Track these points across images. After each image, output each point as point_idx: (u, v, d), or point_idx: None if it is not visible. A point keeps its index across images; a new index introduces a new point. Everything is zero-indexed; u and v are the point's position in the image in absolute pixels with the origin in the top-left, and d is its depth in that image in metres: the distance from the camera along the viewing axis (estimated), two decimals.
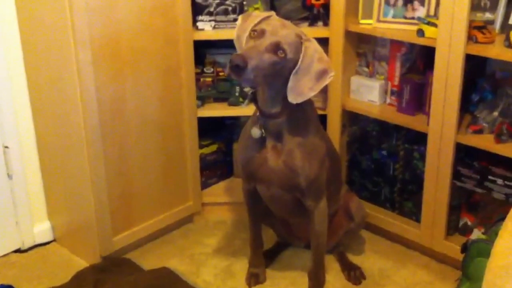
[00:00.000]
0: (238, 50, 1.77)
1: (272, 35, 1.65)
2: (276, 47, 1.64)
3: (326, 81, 1.72)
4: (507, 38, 1.82)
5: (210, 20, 2.22)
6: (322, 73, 1.71)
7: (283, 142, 1.80)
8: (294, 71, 1.68)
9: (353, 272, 2.12)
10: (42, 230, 2.29)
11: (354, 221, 2.11)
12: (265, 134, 1.79)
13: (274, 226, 2.20)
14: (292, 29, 1.70)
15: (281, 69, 1.67)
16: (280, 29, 1.67)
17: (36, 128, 2.18)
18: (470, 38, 1.86)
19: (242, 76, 1.60)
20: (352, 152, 2.38)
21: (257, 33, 1.66)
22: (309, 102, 1.84)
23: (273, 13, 1.78)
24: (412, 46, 2.13)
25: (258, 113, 1.80)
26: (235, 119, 2.49)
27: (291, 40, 1.66)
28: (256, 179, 1.90)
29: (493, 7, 1.92)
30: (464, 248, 1.76)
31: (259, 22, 1.70)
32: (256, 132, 1.79)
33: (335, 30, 2.15)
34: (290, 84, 1.69)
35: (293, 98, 1.71)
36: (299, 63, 1.68)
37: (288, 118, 1.78)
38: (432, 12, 1.99)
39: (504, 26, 1.89)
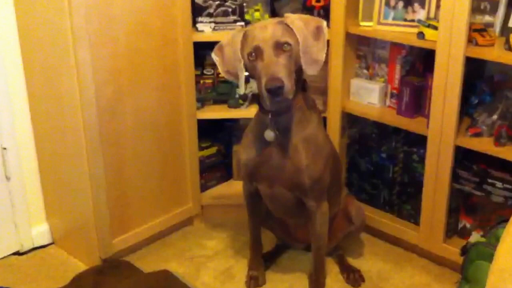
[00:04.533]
0: (235, 80, 1.77)
1: (267, 42, 1.66)
2: (279, 46, 1.66)
3: (325, 34, 1.73)
4: (507, 41, 1.83)
5: (210, 22, 2.22)
6: (317, 31, 1.72)
7: (289, 139, 1.80)
8: (301, 51, 1.69)
9: (352, 275, 2.12)
10: (40, 232, 2.28)
11: (354, 224, 2.11)
12: (278, 133, 1.79)
13: (274, 228, 2.19)
14: (272, 23, 1.71)
15: (295, 58, 1.69)
16: (266, 32, 1.68)
17: (34, 130, 2.17)
18: (470, 40, 1.86)
19: (284, 93, 1.62)
20: (352, 154, 2.38)
21: (255, 53, 1.67)
22: (312, 101, 1.86)
23: (240, 26, 1.76)
24: (412, 48, 2.14)
25: (269, 116, 1.78)
26: (235, 121, 2.49)
27: (281, 32, 1.68)
28: (259, 177, 1.89)
29: (493, 10, 1.93)
30: (464, 251, 1.77)
31: (243, 44, 1.70)
32: (270, 135, 1.79)
33: (335, 32, 2.15)
34: (303, 60, 1.69)
35: (312, 69, 1.71)
36: (300, 41, 1.69)
37: (295, 112, 1.78)
38: (432, 15, 2.00)
39: (504, 29, 1.90)
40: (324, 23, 1.75)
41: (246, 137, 1.92)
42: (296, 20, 1.72)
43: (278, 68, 1.64)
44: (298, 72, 1.73)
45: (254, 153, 1.85)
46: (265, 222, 2.15)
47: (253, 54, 1.68)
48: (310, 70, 1.72)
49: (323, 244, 1.96)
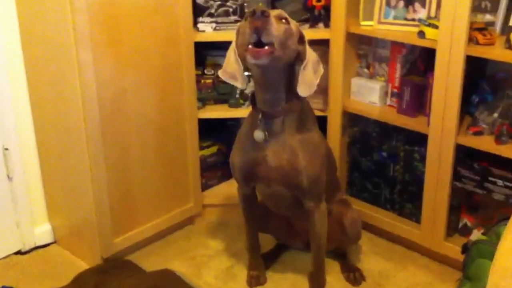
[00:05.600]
0: (232, 79, 1.74)
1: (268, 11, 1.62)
2: (280, 18, 1.64)
3: (322, 70, 1.76)
4: (508, 40, 1.83)
5: (211, 22, 2.22)
6: (318, 63, 1.76)
7: (285, 140, 1.79)
8: (303, 65, 1.70)
9: (352, 274, 2.12)
10: (42, 232, 2.28)
11: (348, 237, 2.07)
12: (268, 135, 1.78)
13: (272, 230, 2.18)
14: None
15: (291, 42, 1.65)
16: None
17: (36, 130, 2.17)
18: (471, 39, 1.86)
19: (266, 25, 1.54)
20: (353, 154, 2.38)
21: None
22: (307, 102, 1.85)
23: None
24: (412, 47, 2.14)
25: (259, 116, 1.78)
26: (236, 120, 2.49)
27: (285, 15, 1.68)
28: (255, 178, 1.88)
29: (494, 9, 1.93)
30: (465, 249, 1.77)
31: (239, 35, 1.67)
32: (259, 135, 1.77)
33: (336, 31, 2.16)
34: (301, 76, 1.70)
35: (304, 90, 1.71)
36: (306, 55, 1.70)
37: (289, 116, 1.78)
38: (433, 14, 2.00)
39: (505, 28, 1.91)
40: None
41: (238, 140, 1.89)
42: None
43: (269, 17, 1.55)
44: (290, 72, 1.71)
45: (247, 156, 1.83)
46: (264, 227, 2.13)
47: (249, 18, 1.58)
48: (302, 90, 1.70)
49: (323, 243, 1.95)
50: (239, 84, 1.74)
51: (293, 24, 1.70)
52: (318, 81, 1.74)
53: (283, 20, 1.65)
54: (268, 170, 1.82)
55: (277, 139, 1.79)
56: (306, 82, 1.70)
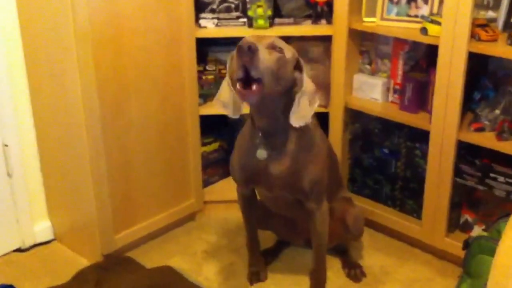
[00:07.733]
0: (226, 108, 1.71)
1: (260, 41, 1.56)
2: (272, 46, 1.59)
3: (316, 104, 1.71)
4: (510, 36, 1.83)
5: (213, 18, 2.21)
6: (314, 96, 1.70)
7: (286, 148, 1.76)
8: (301, 93, 1.65)
9: (353, 271, 2.12)
10: (42, 228, 2.27)
11: (351, 233, 2.07)
12: (270, 150, 1.74)
13: (273, 227, 2.17)
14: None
15: (284, 72, 1.61)
16: (261, 36, 1.61)
17: (36, 126, 2.16)
18: (473, 36, 1.87)
19: (254, 61, 1.48)
20: (354, 150, 2.38)
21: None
22: None
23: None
24: (415, 44, 2.14)
25: (259, 134, 1.74)
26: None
27: (282, 44, 1.63)
28: (256, 183, 1.87)
29: (496, 5, 1.93)
30: (466, 245, 1.77)
31: (233, 65, 1.61)
32: (262, 153, 1.74)
33: (339, 28, 2.15)
34: (296, 105, 1.66)
35: (297, 120, 1.67)
36: (304, 82, 1.66)
37: (290, 130, 1.74)
38: (435, 10, 2.00)
39: (507, 25, 1.91)
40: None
41: (238, 146, 1.87)
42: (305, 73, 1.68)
43: (259, 47, 1.49)
44: (288, 97, 1.66)
45: (248, 164, 1.81)
46: (264, 223, 2.13)
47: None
48: (295, 120, 1.65)
49: (324, 242, 1.95)
50: (231, 114, 1.72)
51: (289, 51, 1.64)
52: (313, 112, 1.70)
53: (277, 49, 1.59)
54: (269, 177, 1.80)
55: (278, 149, 1.76)
56: (300, 114, 1.66)
